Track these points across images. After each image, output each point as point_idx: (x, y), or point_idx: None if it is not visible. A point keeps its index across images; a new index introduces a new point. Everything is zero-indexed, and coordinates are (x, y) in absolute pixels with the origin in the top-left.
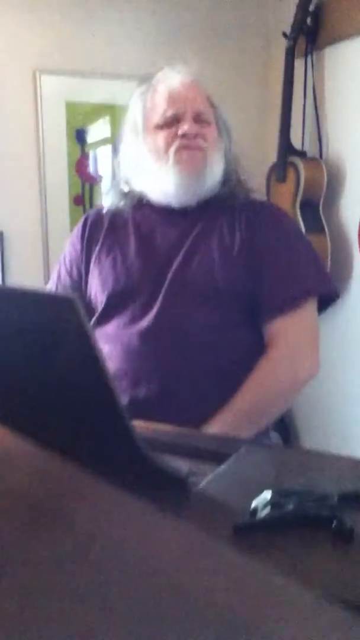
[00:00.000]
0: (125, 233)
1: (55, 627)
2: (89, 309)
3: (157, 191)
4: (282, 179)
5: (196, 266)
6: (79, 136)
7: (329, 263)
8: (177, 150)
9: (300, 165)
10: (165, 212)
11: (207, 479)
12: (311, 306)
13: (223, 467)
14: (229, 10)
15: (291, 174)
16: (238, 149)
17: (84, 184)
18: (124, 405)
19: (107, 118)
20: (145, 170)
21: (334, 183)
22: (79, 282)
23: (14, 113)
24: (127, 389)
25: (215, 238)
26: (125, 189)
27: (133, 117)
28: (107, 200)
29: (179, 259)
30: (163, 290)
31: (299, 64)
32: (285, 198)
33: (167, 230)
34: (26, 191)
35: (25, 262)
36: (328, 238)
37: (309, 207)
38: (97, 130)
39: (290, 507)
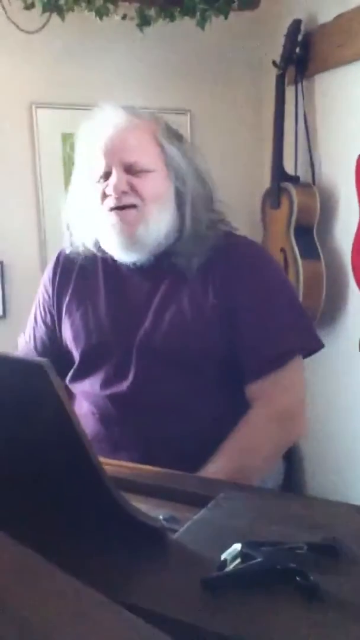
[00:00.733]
0: (96, 283)
1: None
2: (66, 357)
3: (105, 245)
4: (276, 205)
5: (167, 327)
6: None
7: (324, 287)
8: (109, 212)
9: (293, 191)
10: (132, 264)
11: (183, 528)
12: (295, 363)
13: (200, 514)
14: (220, 41)
15: (285, 200)
16: (206, 168)
17: None
18: (99, 462)
19: None
20: (94, 221)
21: (327, 208)
22: (54, 329)
23: (11, 145)
24: (107, 454)
25: (187, 294)
26: (80, 237)
27: (80, 162)
28: (67, 246)
29: (149, 317)
30: (134, 353)
31: (289, 92)
32: (280, 224)
33: (136, 284)
34: (25, 221)
35: (25, 291)
36: (323, 263)
37: (304, 232)
38: None
39: (259, 559)
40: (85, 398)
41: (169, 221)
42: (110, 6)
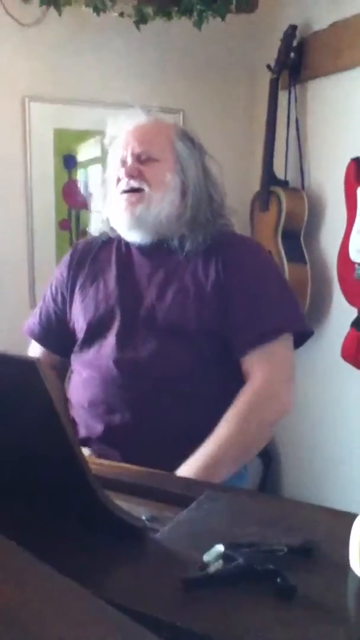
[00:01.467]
0: (109, 262)
1: None
2: (72, 335)
3: (113, 223)
4: (265, 208)
5: (169, 301)
6: (67, 162)
7: (309, 292)
8: (120, 194)
9: (282, 195)
10: (140, 244)
11: (165, 527)
12: (284, 342)
13: (182, 515)
14: (215, 42)
15: (273, 204)
16: (219, 180)
17: (70, 209)
18: (85, 461)
19: (94, 144)
20: (109, 198)
21: (315, 213)
22: (63, 308)
23: (2, 139)
24: (102, 415)
25: (189, 274)
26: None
27: (109, 155)
28: (93, 226)
29: (153, 292)
30: (139, 323)
31: (282, 96)
32: (268, 227)
33: (143, 262)
34: (13, 215)
35: (11, 286)
36: (308, 267)
37: (291, 236)
38: (85, 156)
39: (240, 561)
40: (87, 366)
41: (170, 206)
42: (108, 2)
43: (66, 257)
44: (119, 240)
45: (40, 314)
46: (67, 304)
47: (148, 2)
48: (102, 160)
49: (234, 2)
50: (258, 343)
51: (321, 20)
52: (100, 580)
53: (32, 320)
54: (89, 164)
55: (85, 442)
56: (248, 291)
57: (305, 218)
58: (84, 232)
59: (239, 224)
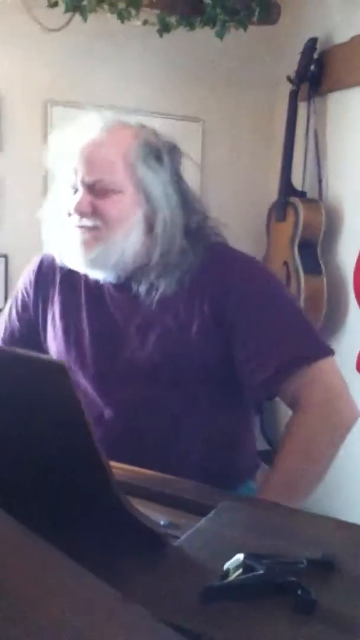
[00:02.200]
0: (78, 297)
1: None
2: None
3: (66, 261)
4: (282, 218)
5: (151, 348)
6: None
7: (324, 303)
8: (73, 228)
9: (300, 205)
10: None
11: (185, 535)
12: (322, 364)
13: (201, 523)
14: (237, 53)
15: (290, 214)
16: (228, 190)
17: None
18: (108, 464)
19: None
20: (62, 234)
21: (332, 225)
22: (29, 328)
23: (24, 142)
24: None
25: (171, 313)
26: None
27: (54, 171)
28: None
29: (132, 337)
30: (117, 371)
31: (302, 108)
32: (284, 237)
33: (117, 297)
34: (31, 216)
35: None
36: (325, 278)
37: (307, 247)
38: None
39: (260, 571)
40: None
41: (135, 246)
42: (133, 10)
43: (30, 275)
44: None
45: (5, 330)
46: (39, 329)
47: (171, 11)
48: None
49: (257, 13)
50: (300, 365)
51: (342, 34)
52: (120, 585)
53: None
54: None
55: None
56: (248, 325)
57: (323, 229)
58: None
59: (255, 234)
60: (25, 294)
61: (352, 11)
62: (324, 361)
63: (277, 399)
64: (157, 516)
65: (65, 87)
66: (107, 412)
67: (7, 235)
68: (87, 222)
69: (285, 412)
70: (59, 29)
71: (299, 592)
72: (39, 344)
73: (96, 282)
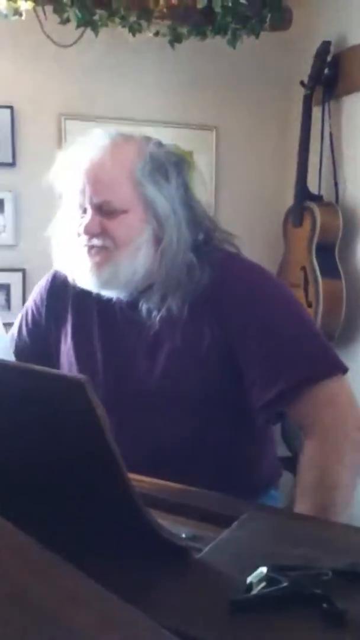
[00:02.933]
0: (89, 316)
1: None
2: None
3: (78, 282)
4: (299, 223)
5: (161, 369)
6: None
7: (344, 307)
8: (82, 247)
9: (316, 210)
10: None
11: (207, 547)
12: (331, 384)
13: (224, 535)
14: (249, 60)
15: (307, 219)
16: (244, 196)
17: None
18: (129, 478)
19: None
20: (71, 250)
21: (350, 228)
22: (39, 343)
23: (39, 156)
24: None
25: (180, 333)
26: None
27: (62, 191)
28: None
29: (141, 359)
30: (126, 395)
31: (316, 112)
32: (302, 242)
33: (128, 317)
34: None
35: None
36: (343, 283)
37: (325, 251)
38: None
39: (285, 584)
40: None
41: (145, 264)
42: (144, 23)
43: (42, 293)
44: None
45: (15, 347)
46: (51, 345)
47: (182, 21)
48: None
49: (268, 20)
50: (279, 403)
51: (355, 36)
52: (143, 600)
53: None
54: None
55: None
56: (256, 345)
57: (340, 232)
58: None
59: (272, 240)
60: (35, 311)
61: None
62: (333, 380)
63: None
64: (180, 528)
65: (79, 101)
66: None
67: (25, 249)
68: (97, 241)
69: None
70: (71, 45)
71: (325, 604)
72: (50, 360)
73: (108, 300)
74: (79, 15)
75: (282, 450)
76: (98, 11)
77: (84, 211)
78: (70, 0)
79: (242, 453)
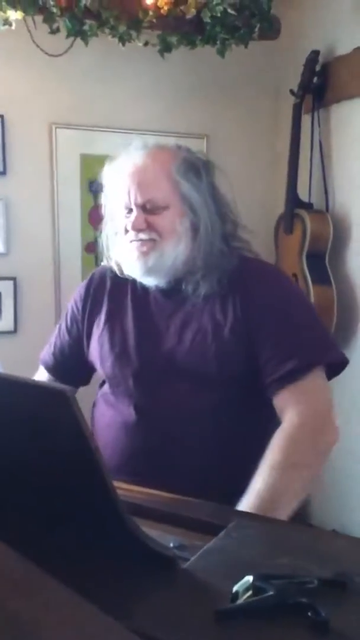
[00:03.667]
0: (125, 303)
1: None
2: (86, 367)
3: (126, 271)
4: (289, 230)
5: (188, 345)
6: (92, 187)
7: (335, 314)
8: (130, 243)
9: (307, 217)
10: (155, 286)
11: (195, 557)
12: (317, 374)
13: (211, 543)
14: (239, 69)
15: (298, 226)
16: (230, 196)
17: (96, 233)
18: (115, 490)
19: None
20: (119, 246)
21: (340, 235)
22: (78, 341)
23: (30, 164)
24: (122, 459)
25: (207, 314)
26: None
27: (110, 196)
28: (105, 263)
29: (171, 336)
30: (157, 368)
31: (306, 120)
32: (292, 249)
33: (161, 301)
34: (40, 238)
35: (37, 307)
36: (334, 289)
37: (316, 258)
38: None
39: (270, 592)
40: (110, 407)
41: (185, 252)
42: (133, 32)
43: (81, 289)
44: (134, 280)
45: (55, 345)
46: (84, 338)
47: (172, 31)
48: None
49: (257, 30)
50: (288, 381)
51: (344, 46)
52: (130, 609)
53: (47, 351)
54: None
55: None
56: (272, 326)
57: (330, 240)
58: None
59: (264, 247)
60: (75, 308)
61: (354, 23)
62: (320, 371)
63: None
64: (168, 538)
65: (69, 110)
66: (138, 412)
67: (16, 257)
68: (144, 236)
69: None
70: (61, 54)
71: (310, 613)
72: (85, 358)
73: (143, 288)
74: (69, 25)
75: None
76: (88, 21)
77: (129, 211)
78: (59, 10)
79: (255, 437)
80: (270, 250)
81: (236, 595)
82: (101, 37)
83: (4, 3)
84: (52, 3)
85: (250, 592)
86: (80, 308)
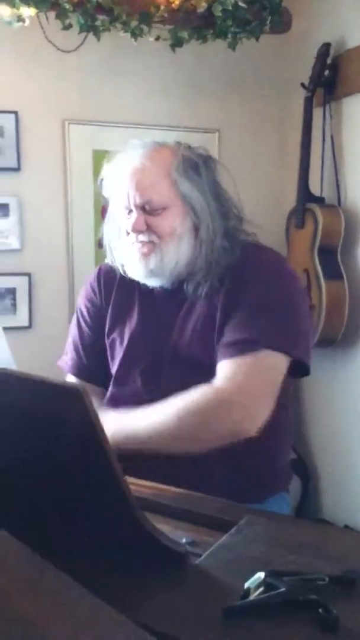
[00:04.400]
0: (132, 300)
1: None
2: (108, 364)
3: (128, 273)
4: (300, 225)
5: (189, 336)
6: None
7: (346, 308)
8: (131, 244)
9: (318, 211)
10: (160, 287)
11: (206, 553)
12: (266, 358)
13: (222, 540)
14: (250, 63)
15: (309, 221)
16: (232, 191)
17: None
18: (127, 485)
19: None
20: (122, 248)
21: (352, 229)
22: (102, 337)
23: (44, 160)
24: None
25: (200, 314)
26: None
27: (110, 196)
28: (108, 262)
29: (175, 327)
30: (163, 362)
31: (317, 114)
32: (304, 244)
33: (165, 303)
34: (54, 234)
35: (52, 303)
36: (346, 284)
37: (327, 253)
38: None
39: (282, 589)
40: (119, 403)
41: (187, 252)
42: (145, 27)
43: (92, 286)
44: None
45: (77, 349)
46: (105, 334)
47: (183, 25)
48: None
49: (268, 23)
50: (233, 351)
51: (355, 38)
52: (140, 605)
53: (70, 357)
54: None
55: None
56: (246, 308)
57: (342, 234)
58: None
59: (275, 242)
60: (90, 304)
61: None
62: (283, 359)
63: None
64: (180, 534)
65: (82, 106)
66: (157, 394)
67: (30, 253)
68: (144, 237)
69: (313, 422)
70: (74, 50)
71: (321, 610)
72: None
73: (148, 289)
74: (81, 21)
75: None
76: (100, 17)
77: (129, 212)
78: (72, 6)
79: (266, 427)
80: (282, 245)
81: (248, 592)
82: (113, 32)
83: (17, 0)
84: None
85: (261, 589)
86: (97, 302)
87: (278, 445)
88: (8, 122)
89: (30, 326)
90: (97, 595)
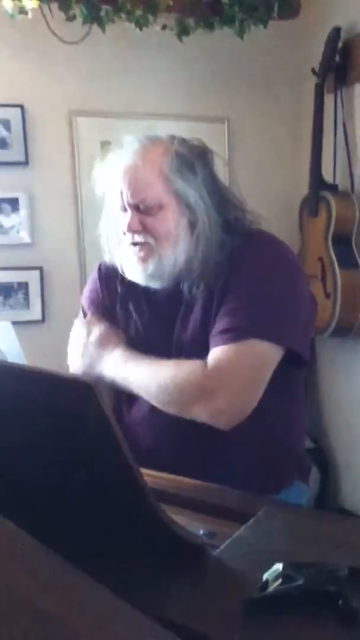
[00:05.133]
0: (135, 295)
1: None
2: None
3: (126, 274)
4: (314, 213)
5: (190, 332)
6: None
7: None
8: (129, 246)
9: (332, 199)
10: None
11: (224, 545)
12: (252, 349)
13: (240, 532)
14: (259, 50)
15: (323, 209)
16: (258, 188)
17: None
18: (142, 478)
19: None
20: (120, 248)
21: None
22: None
23: (51, 153)
24: (150, 441)
25: (198, 311)
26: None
27: (104, 195)
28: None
29: (178, 325)
30: (172, 355)
31: (328, 100)
32: (318, 232)
33: (168, 297)
34: (64, 227)
35: (64, 296)
36: None
37: (342, 241)
38: None
39: (300, 582)
40: (128, 401)
41: (185, 251)
42: (150, 17)
43: (95, 283)
44: None
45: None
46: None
47: (189, 13)
48: None
49: (276, 8)
50: (221, 340)
51: None
52: (159, 598)
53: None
54: None
55: None
56: (237, 292)
57: (356, 222)
58: None
59: (288, 231)
60: (96, 300)
61: None
62: (272, 348)
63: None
64: (197, 525)
65: (88, 98)
66: (151, 408)
67: (42, 247)
68: (139, 238)
69: (331, 411)
70: (78, 41)
71: (340, 602)
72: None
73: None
74: (85, 11)
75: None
76: (104, 7)
77: (125, 211)
78: None
79: (278, 417)
80: (295, 235)
81: (266, 584)
82: (118, 22)
83: None
84: None
85: (280, 581)
86: (101, 299)
87: (289, 437)
88: (14, 116)
89: (43, 320)
90: (115, 589)
